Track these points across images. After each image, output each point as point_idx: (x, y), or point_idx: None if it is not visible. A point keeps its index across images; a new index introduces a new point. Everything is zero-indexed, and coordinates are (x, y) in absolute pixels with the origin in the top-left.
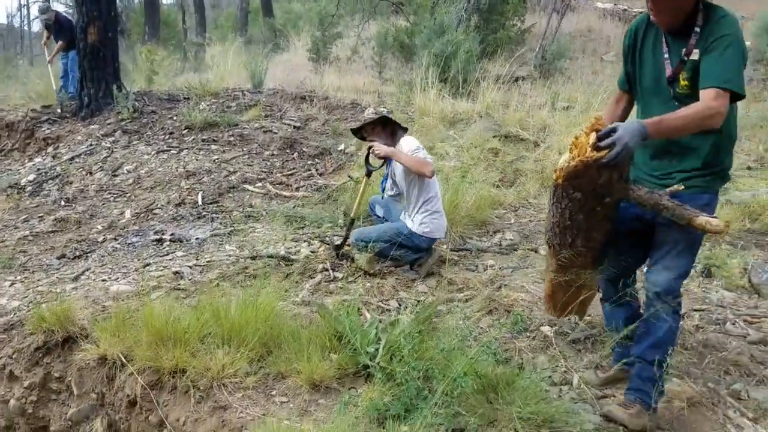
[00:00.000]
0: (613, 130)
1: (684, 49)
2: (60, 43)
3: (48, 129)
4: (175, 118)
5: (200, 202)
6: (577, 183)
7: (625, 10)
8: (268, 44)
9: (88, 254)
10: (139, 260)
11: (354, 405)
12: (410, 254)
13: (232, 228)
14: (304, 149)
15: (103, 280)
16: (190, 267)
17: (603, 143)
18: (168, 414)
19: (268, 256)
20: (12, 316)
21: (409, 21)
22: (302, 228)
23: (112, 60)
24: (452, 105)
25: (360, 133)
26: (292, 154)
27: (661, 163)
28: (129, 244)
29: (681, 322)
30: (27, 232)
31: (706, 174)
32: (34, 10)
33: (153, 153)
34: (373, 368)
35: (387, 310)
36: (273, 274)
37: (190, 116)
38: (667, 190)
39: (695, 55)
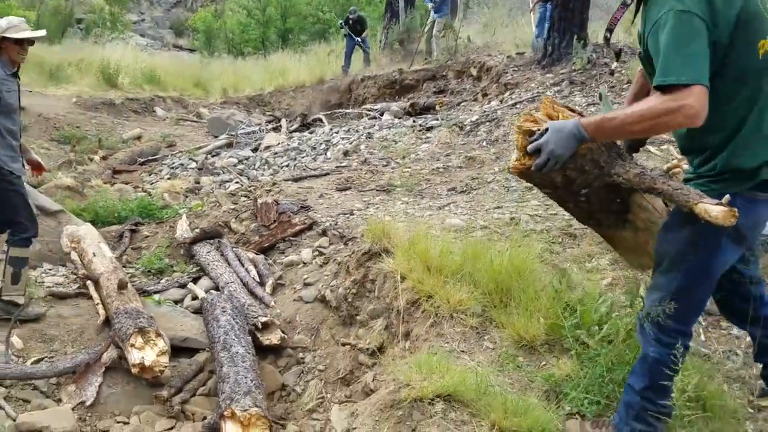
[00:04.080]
0: (543, 133)
1: None
2: None
3: (511, 75)
4: (623, 72)
5: None
6: (536, 182)
7: None
8: None
9: (471, 191)
10: (496, 202)
11: (537, 370)
12: None
13: None
14: None
15: (454, 213)
16: (531, 216)
17: (529, 148)
18: (413, 329)
19: None
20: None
21: None
22: None
23: (580, 11)
24: None
25: None
26: None
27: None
28: (506, 187)
29: (665, 358)
30: (440, 165)
31: (710, 175)
32: None
33: (584, 105)
34: (573, 344)
35: None
36: (589, 237)
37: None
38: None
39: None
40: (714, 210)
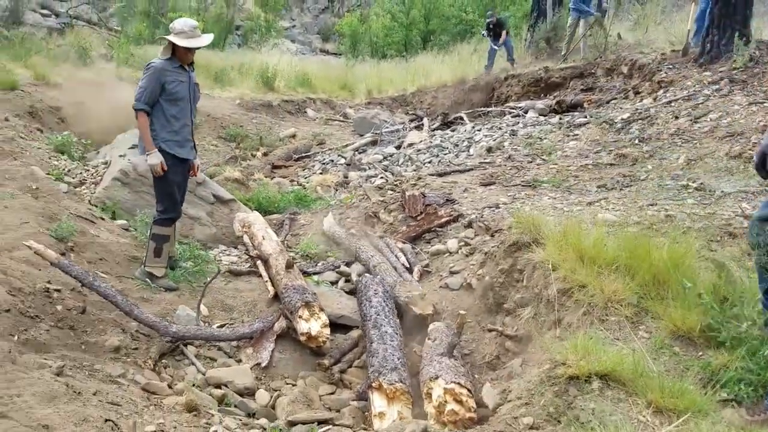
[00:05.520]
0: None
1: None
2: None
3: (665, 73)
4: None
5: (755, 158)
6: None
7: None
8: None
9: (624, 188)
10: (650, 199)
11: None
12: None
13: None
14: None
15: (606, 209)
16: (688, 214)
17: None
18: (564, 317)
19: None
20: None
21: None
22: None
23: (744, 7)
24: None
25: None
26: None
27: None
28: (660, 185)
29: None
30: (589, 162)
31: None
32: None
33: (745, 104)
34: (730, 335)
35: None
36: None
37: None
38: None
39: None
40: None
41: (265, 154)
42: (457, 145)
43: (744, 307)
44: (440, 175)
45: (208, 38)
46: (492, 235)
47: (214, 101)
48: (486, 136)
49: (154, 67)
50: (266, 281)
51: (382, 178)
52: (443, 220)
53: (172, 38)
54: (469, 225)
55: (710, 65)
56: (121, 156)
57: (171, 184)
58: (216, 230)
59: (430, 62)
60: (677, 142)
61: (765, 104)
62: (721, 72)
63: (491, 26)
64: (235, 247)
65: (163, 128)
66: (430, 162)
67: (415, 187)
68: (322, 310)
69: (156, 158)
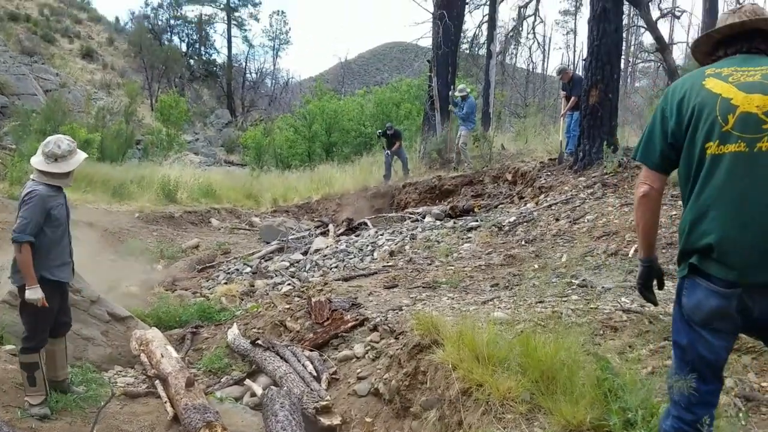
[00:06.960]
0: None
1: None
2: (573, 99)
3: (545, 179)
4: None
5: (630, 255)
6: None
7: None
8: None
9: (514, 287)
10: (538, 297)
11: None
12: None
13: None
14: None
15: (498, 308)
16: (573, 309)
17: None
18: (466, 417)
19: (637, 312)
20: None
21: None
22: None
23: (609, 119)
24: None
25: None
26: None
27: None
28: (546, 283)
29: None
30: (482, 263)
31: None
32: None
33: (618, 205)
34: (617, 426)
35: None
36: (629, 329)
37: None
38: None
39: None
40: None
41: (166, 267)
42: (361, 250)
43: (627, 396)
44: (346, 279)
45: (81, 158)
46: (396, 338)
47: (112, 215)
48: (388, 240)
49: (39, 196)
50: (165, 402)
51: (289, 284)
52: (349, 324)
53: (48, 169)
54: (375, 328)
55: (584, 171)
56: (9, 278)
57: (48, 313)
58: (111, 350)
59: (333, 172)
60: (559, 242)
61: (632, 205)
62: (594, 177)
63: (388, 135)
64: (132, 367)
65: (46, 255)
66: (336, 267)
67: (322, 292)
68: (225, 429)
69: (38, 293)
